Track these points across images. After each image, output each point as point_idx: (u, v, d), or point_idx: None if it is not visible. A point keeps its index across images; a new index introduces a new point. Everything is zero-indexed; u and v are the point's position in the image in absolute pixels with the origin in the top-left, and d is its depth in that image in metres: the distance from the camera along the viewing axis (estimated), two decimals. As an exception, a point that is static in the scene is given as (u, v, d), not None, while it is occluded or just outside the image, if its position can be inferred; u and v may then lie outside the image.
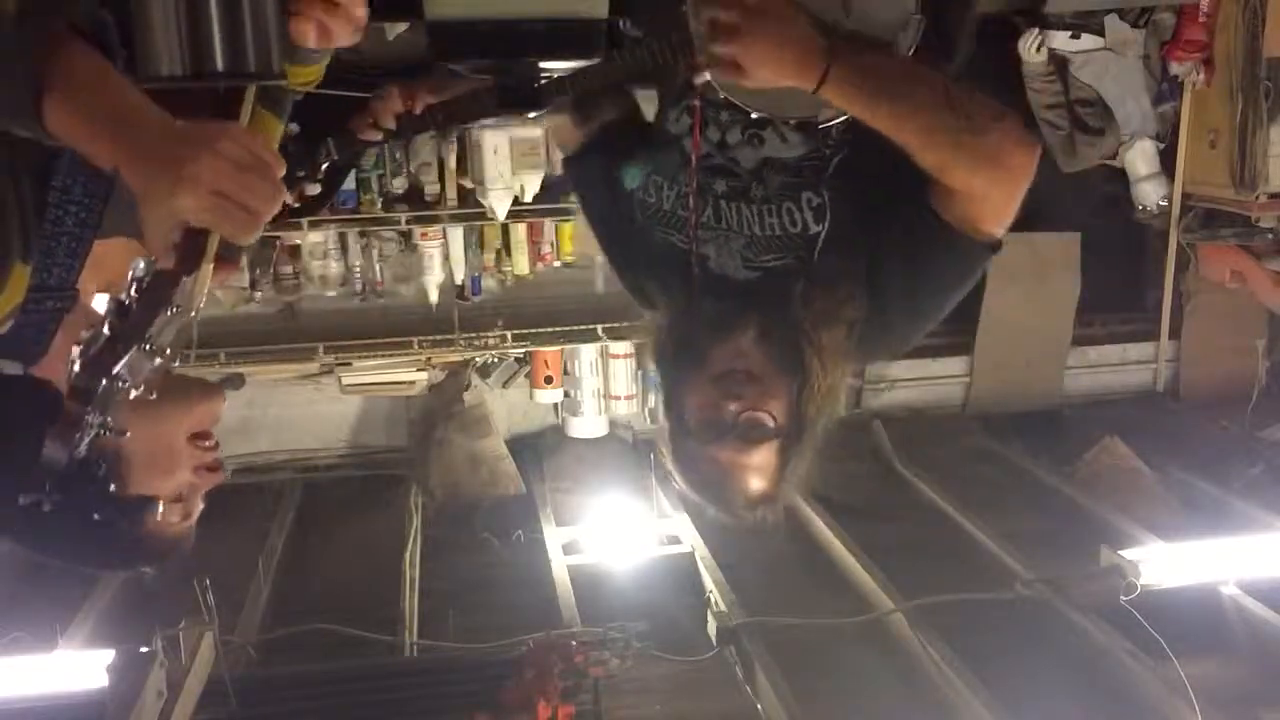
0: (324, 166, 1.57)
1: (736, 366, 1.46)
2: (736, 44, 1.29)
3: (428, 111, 1.60)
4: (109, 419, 0.99)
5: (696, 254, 1.56)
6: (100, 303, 1.00)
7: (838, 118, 1.44)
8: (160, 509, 1.32)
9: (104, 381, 0.97)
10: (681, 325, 1.55)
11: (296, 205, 1.71)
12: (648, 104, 1.75)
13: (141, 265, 0.99)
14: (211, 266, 1.01)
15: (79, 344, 0.99)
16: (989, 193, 1.36)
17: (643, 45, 1.51)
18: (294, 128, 1.51)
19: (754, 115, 1.48)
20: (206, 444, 1.38)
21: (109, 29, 1.00)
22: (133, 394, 0.99)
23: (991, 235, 1.40)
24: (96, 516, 1.25)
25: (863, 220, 1.47)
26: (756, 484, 1.49)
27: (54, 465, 0.98)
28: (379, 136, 1.62)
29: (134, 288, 0.98)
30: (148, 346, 0.98)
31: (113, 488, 1.23)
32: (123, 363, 0.97)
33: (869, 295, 1.47)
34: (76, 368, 0.98)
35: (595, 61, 1.60)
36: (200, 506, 1.40)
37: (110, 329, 0.98)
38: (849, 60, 1.31)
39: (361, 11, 1.17)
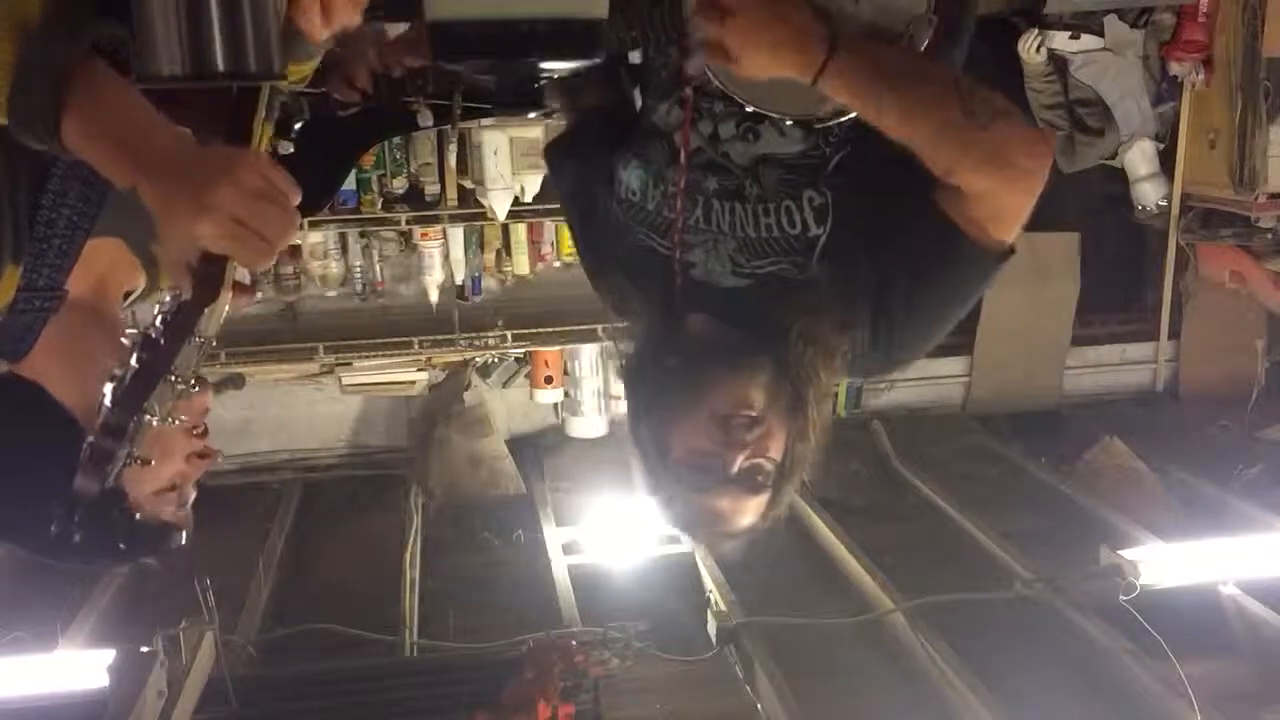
0: (297, 126, 1.49)
1: (741, 412, 1.35)
2: (729, 27, 1.22)
3: (410, 76, 1.53)
4: (134, 449, 1.02)
5: (680, 260, 1.45)
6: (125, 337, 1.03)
7: (838, 117, 1.36)
8: (183, 536, 1.34)
9: (135, 416, 1.00)
10: (664, 343, 1.43)
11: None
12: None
13: (168, 299, 1.01)
14: (230, 294, 1.03)
15: (111, 380, 1.01)
16: (999, 194, 1.28)
17: (636, 32, 1.44)
18: (287, 147, 1.51)
19: (749, 109, 1.39)
20: (197, 431, 1.39)
21: (126, 45, 1.00)
22: (156, 424, 1.01)
23: (1001, 241, 1.31)
24: (122, 546, 1.26)
25: (866, 225, 1.38)
26: (748, 522, 1.42)
27: (85, 498, 1.01)
28: (356, 97, 1.54)
29: (160, 320, 1.01)
30: (173, 377, 1.00)
31: (137, 516, 1.24)
32: (152, 396, 1.00)
33: (871, 307, 1.38)
34: (108, 403, 1.00)
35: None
36: (193, 494, 1.40)
37: (139, 364, 1.00)
38: (852, 51, 1.23)
39: None
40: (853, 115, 1.33)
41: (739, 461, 1.35)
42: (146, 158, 0.96)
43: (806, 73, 1.24)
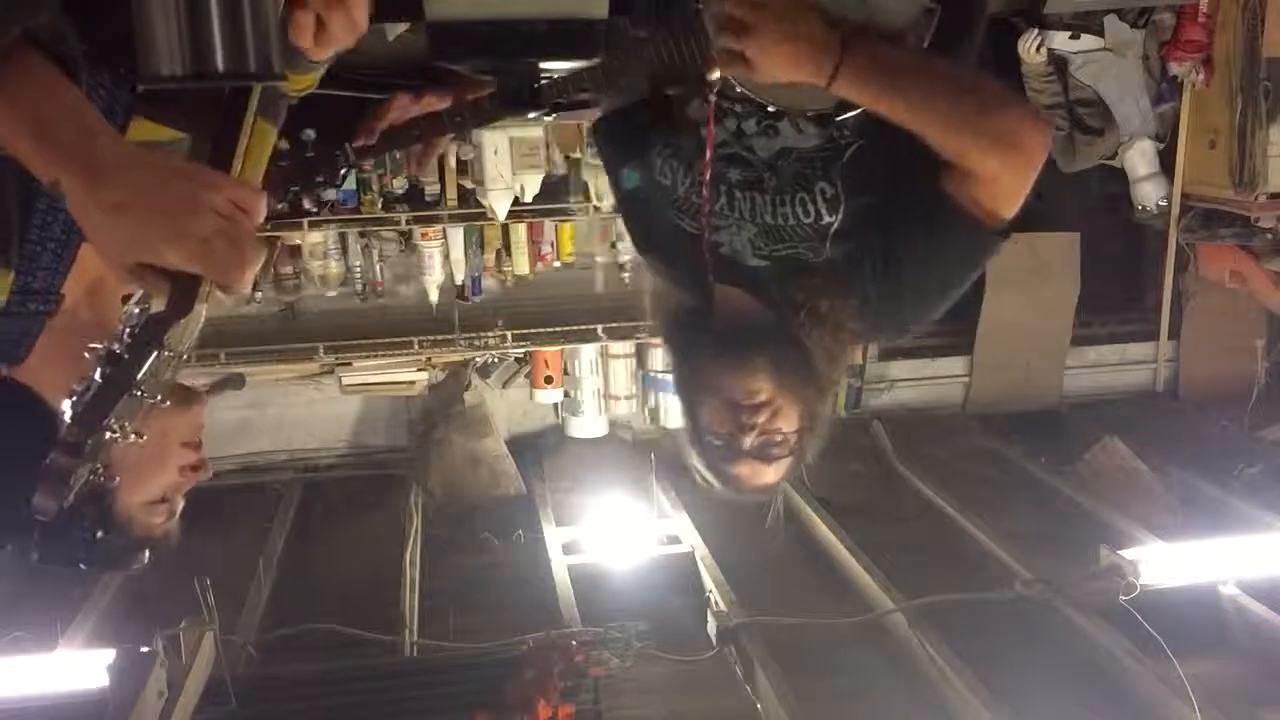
0: (343, 173, 1.58)
1: (748, 401, 1.50)
2: (747, 40, 1.31)
3: (444, 114, 1.61)
4: (99, 465, 0.96)
5: (709, 241, 1.58)
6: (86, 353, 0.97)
7: (850, 110, 1.45)
8: (146, 555, 1.32)
9: (95, 432, 0.94)
10: (696, 316, 1.58)
11: (314, 210, 1.71)
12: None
13: (135, 311, 0.97)
14: (205, 307, 0.98)
15: (70, 394, 0.95)
16: (1003, 174, 1.38)
17: (656, 44, 1.50)
18: (310, 133, 1.52)
19: (770, 108, 1.50)
20: (192, 444, 1.38)
21: (69, 42, 0.96)
22: (120, 441, 0.95)
23: (1002, 219, 1.42)
24: (83, 566, 1.25)
25: (876, 210, 1.49)
26: (772, 481, 1.59)
27: (43, 516, 0.95)
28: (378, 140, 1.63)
29: (126, 334, 0.96)
30: (139, 392, 0.95)
31: (99, 534, 1.22)
32: (114, 411, 0.94)
33: (881, 280, 1.49)
34: (68, 419, 0.94)
35: (608, 62, 1.58)
36: (181, 503, 1.40)
37: (102, 377, 0.94)
38: (862, 55, 1.34)
39: (361, 14, 1.15)
40: (863, 109, 1.42)
41: (750, 440, 1.51)
42: (89, 165, 0.91)
43: (820, 78, 1.34)
